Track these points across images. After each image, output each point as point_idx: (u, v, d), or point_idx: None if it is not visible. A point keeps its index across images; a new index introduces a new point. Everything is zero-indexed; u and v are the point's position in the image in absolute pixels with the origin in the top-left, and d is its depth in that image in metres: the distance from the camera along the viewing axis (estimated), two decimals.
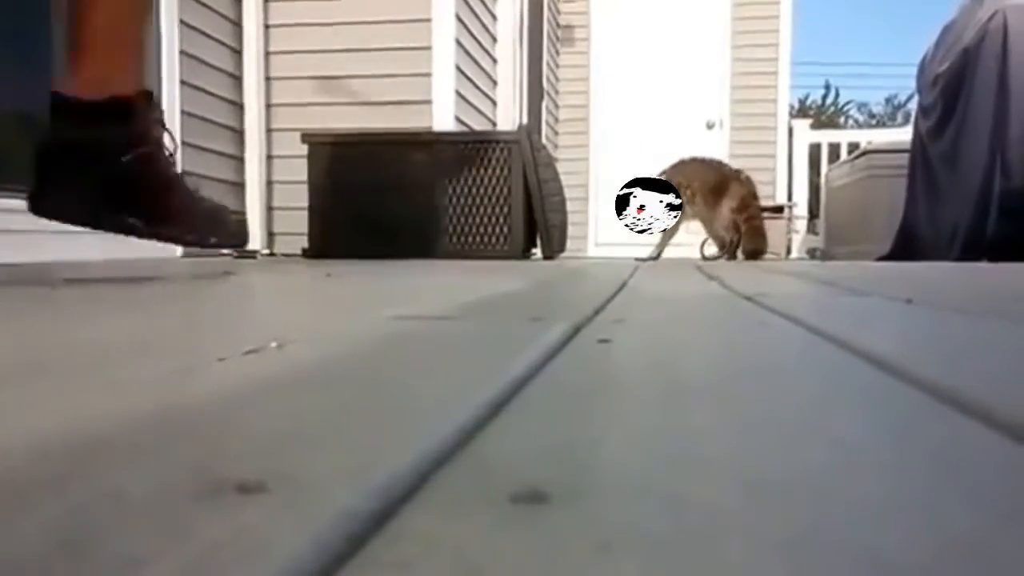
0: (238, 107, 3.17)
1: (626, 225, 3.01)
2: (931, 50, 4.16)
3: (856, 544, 0.18)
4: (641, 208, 3.00)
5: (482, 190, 2.82)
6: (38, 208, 1.03)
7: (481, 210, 2.82)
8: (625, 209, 3.00)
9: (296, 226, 2.98)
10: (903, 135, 4.75)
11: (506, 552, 0.17)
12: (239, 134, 3.17)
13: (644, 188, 3.02)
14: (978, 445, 0.27)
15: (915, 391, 0.36)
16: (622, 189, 3.02)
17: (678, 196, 3.02)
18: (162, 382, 0.38)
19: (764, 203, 5.39)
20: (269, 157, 3.26)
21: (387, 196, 2.84)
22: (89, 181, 1.00)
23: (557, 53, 5.85)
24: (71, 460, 0.24)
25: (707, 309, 0.86)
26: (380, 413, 0.31)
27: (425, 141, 2.93)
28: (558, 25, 5.83)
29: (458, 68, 3.22)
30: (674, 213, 3.03)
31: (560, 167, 3.43)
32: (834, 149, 5.77)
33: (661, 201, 3.01)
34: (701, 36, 5.80)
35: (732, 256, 3.33)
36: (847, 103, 19.91)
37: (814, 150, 5.86)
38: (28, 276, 1.15)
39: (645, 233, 3.06)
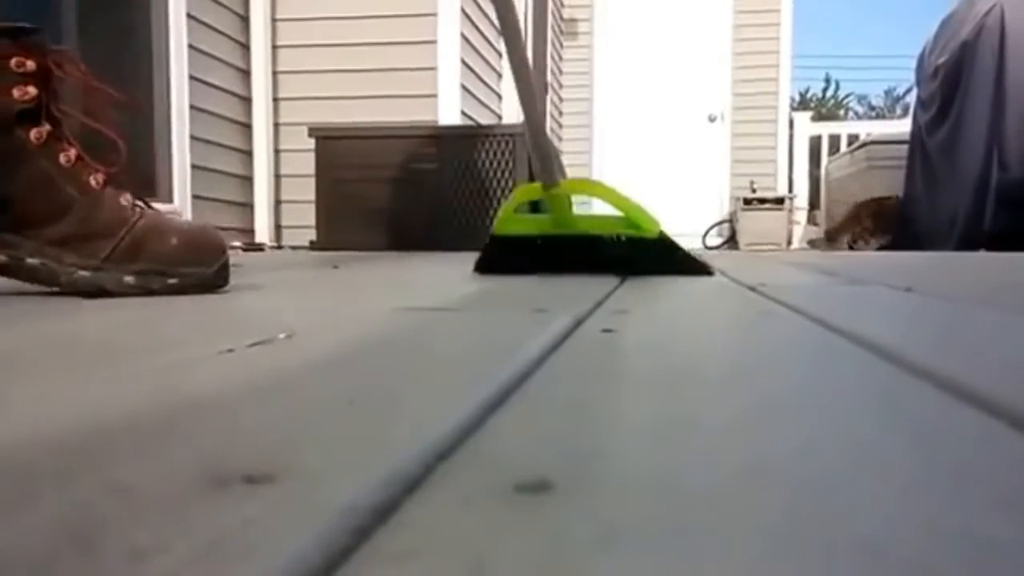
0: (246, 101, 3.20)
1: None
2: (930, 43, 4.18)
3: (859, 534, 0.18)
4: None
5: (487, 183, 2.85)
6: None
7: (486, 203, 2.85)
8: None
9: (303, 219, 3.02)
10: (902, 127, 4.78)
11: (510, 542, 0.17)
12: (247, 128, 3.21)
13: None
14: (979, 433, 0.27)
15: (915, 379, 0.36)
16: None
17: None
18: (170, 374, 0.37)
19: (765, 195, 5.44)
20: (277, 151, 3.29)
21: (393, 189, 2.87)
22: None
23: (561, 47, 5.86)
24: (78, 452, 0.24)
25: (709, 299, 0.85)
26: (387, 404, 0.31)
27: (431, 135, 2.96)
28: (562, 19, 5.85)
29: (463, 62, 3.25)
30: None
31: (564, 160, 3.46)
32: (834, 141, 5.79)
33: None
34: (703, 29, 5.81)
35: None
36: (847, 96, 19.90)
37: (814, 142, 5.88)
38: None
39: None
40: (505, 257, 1.21)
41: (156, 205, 0.87)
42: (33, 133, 0.77)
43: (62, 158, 0.79)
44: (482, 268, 1.24)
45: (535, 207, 1.25)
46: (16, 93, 0.77)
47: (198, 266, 0.80)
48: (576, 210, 1.21)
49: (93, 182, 0.80)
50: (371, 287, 1.06)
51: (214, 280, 0.81)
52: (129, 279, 0.77)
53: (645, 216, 1.17)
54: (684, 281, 1.07)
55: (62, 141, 0.80)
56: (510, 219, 1.25)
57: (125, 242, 0.78)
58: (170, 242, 0.79)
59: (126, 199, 0.81)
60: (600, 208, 1.22)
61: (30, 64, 0.77)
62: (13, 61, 0.77)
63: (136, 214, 0.80)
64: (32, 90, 0.77)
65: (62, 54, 0.81)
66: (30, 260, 0.77)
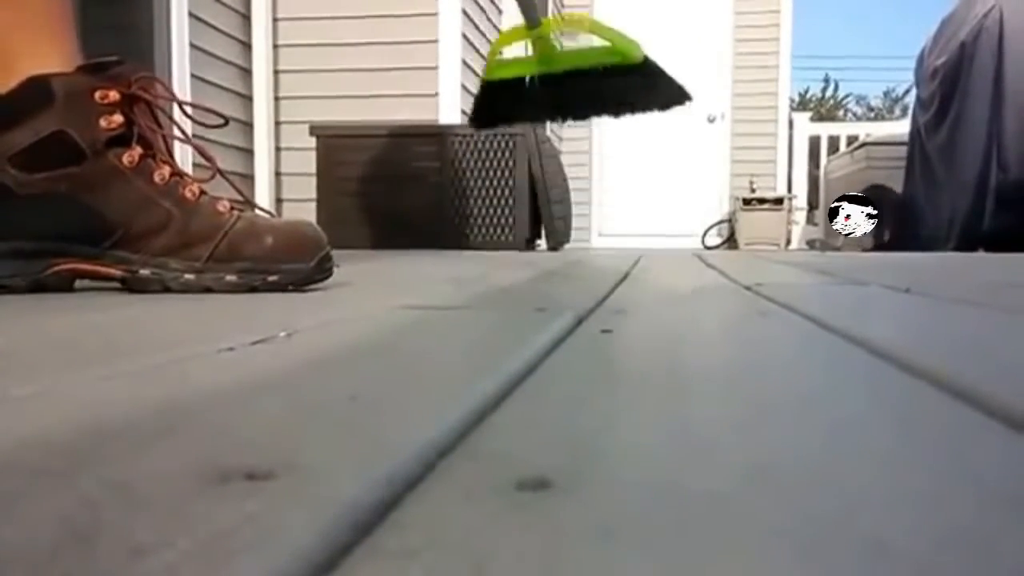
0: (247, 100, 3.20)
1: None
2: (929, 43, 4.19)
3: (858, 532, 0.18)
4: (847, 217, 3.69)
5: (487, 182, 2.86)
6: None
7: (486, 202, 2.86)
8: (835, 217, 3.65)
9: (304, 217, 3.02)
10: (901, 128, 4.80)
11: (511, 539, 0.17)
12: (248, 127, 3.21)
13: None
14: (977, 433, 0.27)
15: (914, 379, 0.36)
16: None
17: None
18: (170, 372, 0.37)
19: (764, 195, 5.45)
20: (278, 149, 3.29)
21: (394, 188, 2.88)
22: None
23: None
24: (78, 450, 0.24)
25: (708, 299, 0.86)
26: (388, 401, 0.31)
27: (431, 134, 2.97)
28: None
29: (464, 62, 3.25)
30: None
31: (564, 159, 3.47)
32: (833, 141, 5.82)
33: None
34: (703, 30, 5.82)
35: None
36: (846, 96, 19.98)
37: (814, 142, 5.90)
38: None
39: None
40: (498, 103, 1.24)
41: None
42: (125, 157, 0.82)
43: (156, 177, 0.83)
44: (478, 118, 1.26)
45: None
46: (103, 123, 0.81)
47: (296, 262, 0.84)
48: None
49: (189, 194, 0.84)
50: (372, 285, 1.06)
51: (314, 274, 0.86)
52: (231, 278, 0.82)
53: (628, 43, 1.21)
54: (683, 280, 1.07)
55: (155, 160, 0.84)
56: (497, 64, 1.28)
57: (223, 245, 0.83)
58: (265, 242, 0.83)
59: (223, 205, 0.85)
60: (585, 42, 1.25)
61: (113, 94, 0.82)
62: (97, 94, 0.81)
63: (233, 218, 0.85)
64: (118, 118, 0.82)
65: (148, 79, 0.86)
66: (143, 271, 0.82)
